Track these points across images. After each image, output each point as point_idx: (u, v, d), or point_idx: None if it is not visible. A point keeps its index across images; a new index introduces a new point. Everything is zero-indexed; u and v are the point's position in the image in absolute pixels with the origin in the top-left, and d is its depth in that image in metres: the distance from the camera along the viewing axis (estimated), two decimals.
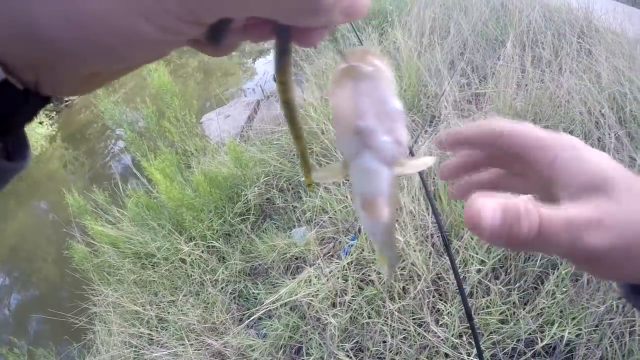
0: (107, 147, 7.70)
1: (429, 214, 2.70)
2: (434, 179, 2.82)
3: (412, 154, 2.77)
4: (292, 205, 3.53)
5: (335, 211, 3.05)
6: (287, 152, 4.04)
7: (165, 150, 4.34)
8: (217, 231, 3.51)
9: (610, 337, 2.02)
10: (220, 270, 3.17)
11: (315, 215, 3.22)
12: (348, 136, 0.34)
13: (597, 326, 2.08)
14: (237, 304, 3.06)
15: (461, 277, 2.38)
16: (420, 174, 1.47)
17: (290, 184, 3.75)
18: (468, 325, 2.16)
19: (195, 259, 3.29)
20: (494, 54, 3.78)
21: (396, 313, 2.36)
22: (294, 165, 3.84)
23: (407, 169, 0.36)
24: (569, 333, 2.06)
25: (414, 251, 2.48)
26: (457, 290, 2.34)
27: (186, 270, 3.27)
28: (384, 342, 2.34)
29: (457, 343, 2.20)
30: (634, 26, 4.12)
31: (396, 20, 4.69)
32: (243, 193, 3.68)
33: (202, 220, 3.52)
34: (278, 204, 3.60)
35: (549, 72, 3.25)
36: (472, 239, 2.49)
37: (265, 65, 7.78)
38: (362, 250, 2.69)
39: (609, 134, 2.73)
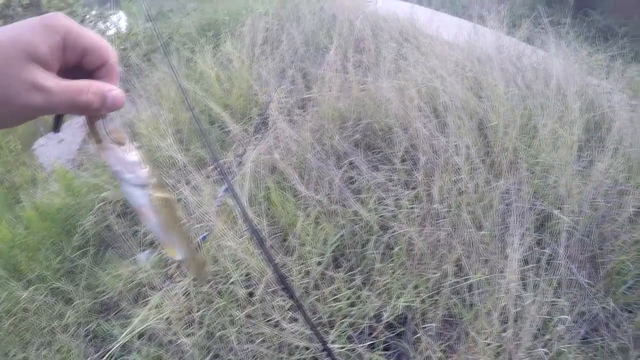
0: None
1: (263, 218, 2.70)
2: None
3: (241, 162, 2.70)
4: (133, 230, 3.30)
5: (158, 243, 2.91)
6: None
7: None
8: (57, 270, 3.17)
9: (450, 297, 2.21)
10: (69, 312, 2.85)
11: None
12: (114, 176, 0.56)
13: (438, 289, 2.26)
14: (94, 345, 2.76)
15: (304, 271, 2.44)
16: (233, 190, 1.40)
17: (127, 208, 3.48)
18: (320, 316, 2.25)
19: (40, 306, 2.93)
20: (322, 61, 3.85)
21: (249, 319, 2.33)
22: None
23: (159, 191, 0.58)
24: (412, 301, 2.20)
25: (251, 255, 2.46)
26: (301, 284, 2.38)
27: (32, 320, 2.90)
28: (244, 349, 2.28)
29: (311, 334, 2.20)
30: (450, 31, 4.53)
31: (231, 31, 4.59)
32: (79, 223, 3.38)
33: (39, 260, 3.17)
34: (117, 230, 3.32)
35: (371, 75, 3.37)
36: (307, 235, 2.55)
37: None
38: (205, 265, 2.53)
39: (426, 125, 2.90)
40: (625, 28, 7.13)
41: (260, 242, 1.16)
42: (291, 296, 1.12)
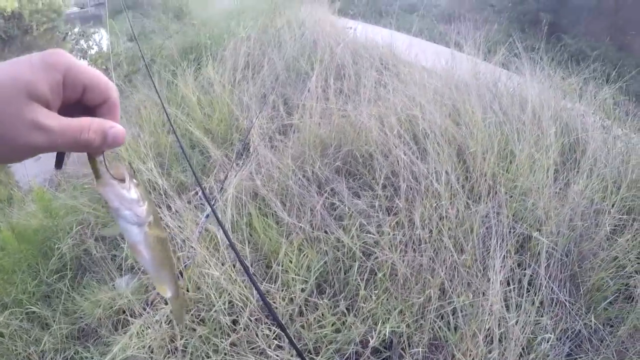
0: None
1: (246, 245, 2.69)
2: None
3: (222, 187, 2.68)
4: (112, 254, 3.24)
5: (148, 278, 2.83)
6: (100, 197, 3.67)
7: None
8: (33, 294, 3.06)
9: (435, 321, 2.23)
10: (46, 338, 2.74)
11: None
12: (112, 212, 0.56)
13: (422, 314, 2.27)
14: None
15: (288, 298, 2.44)
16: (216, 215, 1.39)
17: None
18: (305, 343, 2.26)
19: (15, 330, 2.81)
20: (304, 87, 3.89)
21: (233, 347, 2.31)
22: (108, 211, 3.50)
23: (157, 230, 0.60)
24: (397, 326, 2.21)
25: (233, 283, 2.45)
26: (285, 311, 2.38)
27: (7, 346, 2.77)
28: None
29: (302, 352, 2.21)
30: (428, 58, 4.64)
31: (213, 54, 4.61)
32: (57, 246, 3.28)
33: (15, 283, 3.06)
34: (96, 254, 3.26)
35: (351, 102, 3.42)
36: (290, 262, 2.54)
37: None
38: (187, 290, 2.59)
39: (406, 152, 2.94)
40: (596, 51, 7.38)
41: (245, 267, 1.16)
42: (276, 320, 1.12)
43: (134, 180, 0.56)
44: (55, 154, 0.56)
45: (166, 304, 2.67)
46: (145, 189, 0.59)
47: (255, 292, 2.45)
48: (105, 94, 0.49)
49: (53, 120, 0.43)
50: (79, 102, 0.48)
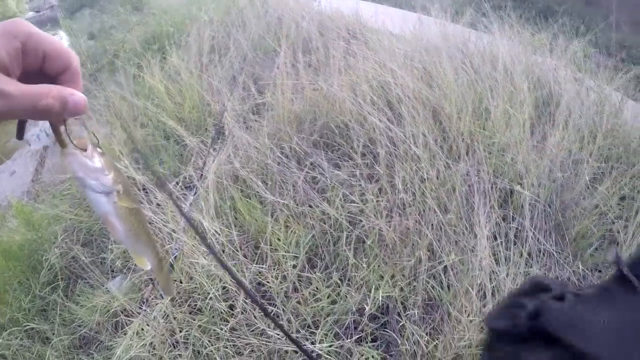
0: None
1: (232, 229, 2.66)
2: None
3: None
4: (100, 258, 3.21)
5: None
6: (81, 201, 3.62)
7: None
8: (29, 310, 3.01)
9: (427, 281, 2.25)
10: (48, 352, 2.69)
11: (126, 261, 3.00)
12: (75, 183, 0.66)
13: (414, 276, 2.29)
14: None
15: (281, 276, 2.44)
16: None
17: (92, 235, 3.40)
18: (304, 318, 2.27)
19: (17, 350, 2.77)
20: (273, 65, 3.83)
21: (233, 332, 2.30)
22: (91, 214, 3.45)
23: (127, 201, 0.58)
24: (391, 291, 2.23)
25: (222, 269, 2.42)
26: (280, 289, 2.37)
27: None
28: None
29: (297, 337, 2.22)
30: (395, 24, 4.60)
31: (176, 42, 4.50)
32: (44, 258, 3.22)
33: (8, 302, 3.00)
34: (84, 260, 3.19)
35: (322, 74, 3.38)
36: (278, 240, 2.53)
37: None
38: (181, 281, 2.57)
39: (381, 118, 2.93)
40: (564, 6, 7.43)
41: (223, 264, 1.14)
42: (264, 311, 1.10)
43: (98, 149, 0.55)
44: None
45: (162, 298, 2.66)
46: (111, 160, 0.57)
47: (246, 276, 2.44)
48: (66, 61, 0.48)
49: (11, 85, 0.43)
50: (40, 71, 0.47)
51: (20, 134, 0.58)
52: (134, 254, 0.64)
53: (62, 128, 0.50)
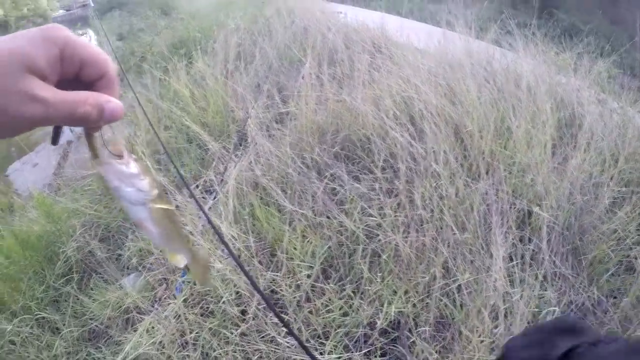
0: None
1: (250, 235, 2.70)
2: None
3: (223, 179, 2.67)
4: (116, 254, 3.27)
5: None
6: (101, 197, 3.68)
7: None
8: (42, 300, 3.07)
9: (440, 299, 2.25)
10: (57, 343, 2.75)
11: (142, 259, 3.04)
12: (112, 192, 0.55)
13: (428, 293, 2.29)
14: None
15: (294, 285, 2.45)
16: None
17: (109, 232, 3.46)
18: (314, 328, 2.28)
19: (27, 337, 2.82)
20: (298, 75, 3.88)
21: (244, 337, 2.32)
22: (110, 211, 3.51)
23: (161, 204, 0.57)
24: (404, 306, 2.24)
25: (239, 274, 2.46)
26: (293, 298, 2.40)
27: (20, 353, 2.79)
28: None
29: (307, 346, 2.16)
30: (420, 38, 4.61)
31: (203, 48, 4.58)
32: (61, 250, 3.29)
33: (22, 290, 3.07)
34: (100, 255, 3.27)
35: (346, 87, 3.41)
36: (294, 249, 2.55)
37: None
38: (195, 283, 2.61)
39: (403, 134, 2.96)
40: (589, 25, 7.35)
41: (241, 267, 1.16)
42: (279, 317, 1.12)
43: (133, 156, 0.55)
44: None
45: (174, 298, 2.69)
46: (146, 165, 0.58)
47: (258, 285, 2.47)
48: (103, 68, 0.49)
49: (49, 92, 0.43)
50: (77, 78, 0.48)
51: (55, 140, 0.58)
52: (168, 253, 0.65)
53: (96, 135, 0.51)
